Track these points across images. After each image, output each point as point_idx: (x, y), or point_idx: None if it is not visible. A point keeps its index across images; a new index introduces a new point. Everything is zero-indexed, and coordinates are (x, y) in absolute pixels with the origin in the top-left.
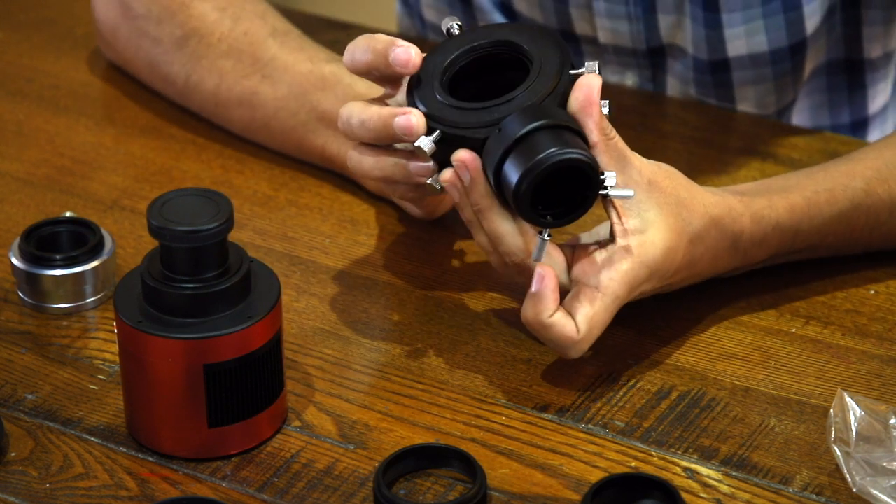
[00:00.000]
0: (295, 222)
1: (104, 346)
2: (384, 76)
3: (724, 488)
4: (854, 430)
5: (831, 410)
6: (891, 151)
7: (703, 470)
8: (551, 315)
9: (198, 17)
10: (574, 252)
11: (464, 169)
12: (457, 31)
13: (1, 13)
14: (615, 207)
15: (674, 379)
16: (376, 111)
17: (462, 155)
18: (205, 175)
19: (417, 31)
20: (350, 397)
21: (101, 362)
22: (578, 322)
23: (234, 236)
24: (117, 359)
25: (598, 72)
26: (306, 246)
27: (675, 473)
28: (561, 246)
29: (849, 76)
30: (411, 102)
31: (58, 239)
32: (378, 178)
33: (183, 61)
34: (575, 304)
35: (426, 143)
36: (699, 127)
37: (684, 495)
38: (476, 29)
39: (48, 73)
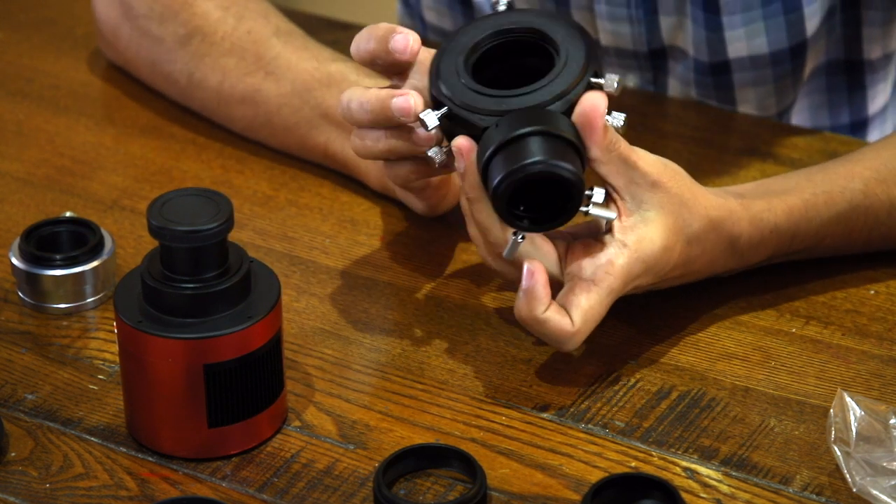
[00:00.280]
0: (295, 222)
1: (104, 346)
2: (388, 65)
3: (724, 488)
4: (854, 430)
5: (831, 410)
6: (889, 152)
7: (703, 470)
8: (545, 310)
9: (201, 15)
10: (568, 246)
11: (460, 156)
12: (502, 8)
13: (1, 13)
14: (616, 204)
15: (674, 379)
16: (374, 93)
17: (460, 142)
18: (205, 175)
19: (418, 32)
20: (350, 397)
21: (101, 362)
22: (573, 315)
23: (234, 236)
24: (117, 359)
25: (616, 86)
26: (306, 246)
27: (675, 473)
28: (554, 240)
29: (848, 77)
30: (433, 72)
31: (58, 239)
32: (381, 151)
33: (186, 60)
34: (570, 297)
35: (431, 117)
36: (699, 127)
37: (684, 495)
38: (518, 11)
39: (48, 73)
